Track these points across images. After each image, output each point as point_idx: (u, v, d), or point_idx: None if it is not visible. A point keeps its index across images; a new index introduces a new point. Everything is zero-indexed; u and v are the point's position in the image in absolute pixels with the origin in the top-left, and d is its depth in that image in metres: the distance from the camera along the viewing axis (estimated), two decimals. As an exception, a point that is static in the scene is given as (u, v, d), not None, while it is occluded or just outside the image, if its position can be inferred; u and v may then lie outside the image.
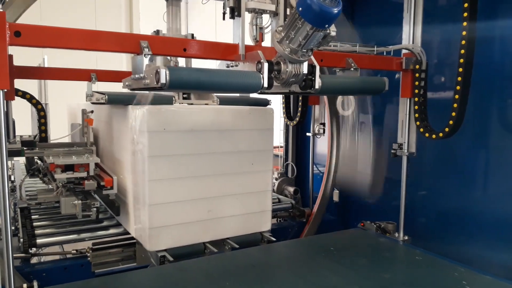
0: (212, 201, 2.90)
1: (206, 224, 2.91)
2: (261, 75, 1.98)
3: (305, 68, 2.06)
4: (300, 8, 1.76)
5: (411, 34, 2.98)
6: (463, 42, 2.61)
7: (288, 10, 2.38)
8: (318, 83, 2.14)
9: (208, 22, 8.08)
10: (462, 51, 2.63)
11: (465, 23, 2.60)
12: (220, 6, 2.46)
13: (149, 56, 2.02)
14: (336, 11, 1.73)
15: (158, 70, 1.77)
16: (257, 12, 2.33)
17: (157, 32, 3.34)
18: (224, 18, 2.47)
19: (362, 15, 4.03)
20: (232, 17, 2.27)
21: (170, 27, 3.31)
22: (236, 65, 2.25)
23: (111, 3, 8.34)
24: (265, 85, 1.98)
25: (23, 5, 2.82)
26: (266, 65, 1.98)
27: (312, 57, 2.06)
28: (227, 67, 2.31)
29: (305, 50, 1.95)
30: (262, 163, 3.09)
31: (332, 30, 1.88)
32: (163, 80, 1.78)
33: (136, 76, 2.01)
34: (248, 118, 2.99)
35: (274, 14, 2.37)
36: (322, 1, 1.72)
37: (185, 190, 2.80)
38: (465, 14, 2.59)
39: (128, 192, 2.89)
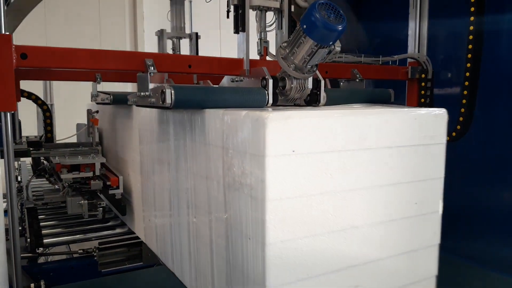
0: (362, 271, 1.75)
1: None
2: (266, 92, 2.00)
3: (310, 83, 2.06)
4: (305, 26, 1.76)
5: (417, 29, 2.96)
6: (471, 37, 2.59)
7: (292, 7, 2.38)
8: (323, 97, 2.15)
9: (212, 20, 8.07)
10: (470, 46, 2.60)
11: (472, 18, 2.57)
12: (224, 4, 2.46)
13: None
14: (340, 28, 1.73)
15: (164, 89, 1.77)
16: (262, 10, 2.33)
17: (162, 31, 3.35)
18: (228, 16, 2.46)
19: (368, 10, 4.00)
20: (237, 32, 2.28)
21: (174, 26, 3.32)
22: (241, 80, 2.26)
23: (115, 2, 8.35)
24: (270, 101, 1.99)
25: (26, 9, 2.84)
26: (271, 82, 1.99)
27: (317, 71, 2.06)
28: (232, 81, 2.32)
29: (310, 66, 1.95)
30: (429, 200, 1.93)
31: (337, 46, 1.88)
32: (168, 100, 1.78)
33: (142, 94, 2.02)
34: (411, 127, 1.83)
35: (279, 11, 2.36)
36: (326, 18, 1.71)
37: (322, 258, 1.64)
38: (472, 8, 2.57)
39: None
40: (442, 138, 1.91)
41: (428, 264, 1.99)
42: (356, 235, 1.69)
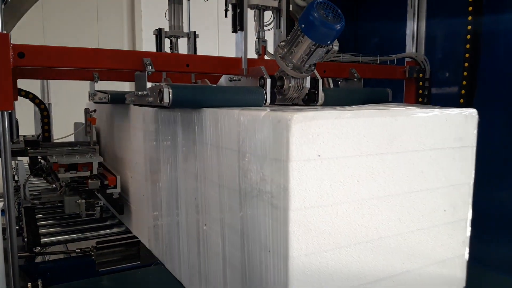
0: (388, 285, 1.64)
1: None
2: (264, 91, 2.00)
3: (308, 82, 2.06)
4: (303, 25, 1.76)
5: (415, 29, 2.97)
6: (469, 36, 2.59)
7: (291, 6, 2.38)
8: (321, 96, 2.15)
9: (210, 19, 8.06)
10: (468, 46, 2.61)
11: (470, 17, 2.58)
12: (222, 3, 2.46)
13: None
14: (338, 28, 1.73)
15: (162, 89, 1.77)
16: (260, 9, 2.32)
17: (160, 30, 3.34)
18: (226, 15, 2.46)
19: (366, 10, 4.00)
20: (235, 31, 2.28)
21: (172, 25, 3.31)
22: (239, 79, 2.26)
23: (112, 1, 8.33)
24: (268, 100, 1.99)
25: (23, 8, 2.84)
26: (269, 81, 1.99)
27: (315, 71, 2.07)
28: (230, 80, 2.32)
29: (308, 65, 1.95)
30: (458, 207, 1.80)
31: (335, 45, 1.88)
32: (166, 99, 1.78)
33: (140, 93, 2.02)
34: (441, 129, 1.70)
35: (277, 10, 2.36)
36: (324, 17, 1.71)
37: (348, 272, 1.52)
38: (470, 8, 2.58)
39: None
40: (472, 140, 1.79)
41: (456, 275, 1.86)
42: (383, 246, 1.57)
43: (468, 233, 1.86)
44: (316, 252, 1.40)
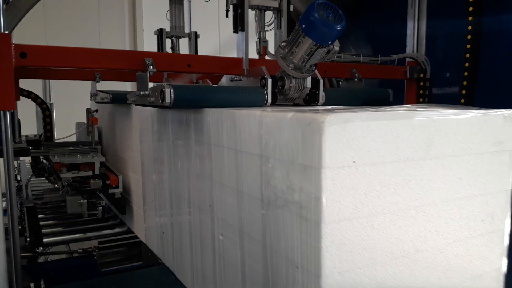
0: None
1: None
2: (265, 91, 2.01)
3: (308, 82, 2.07)
4: (303, 25, 1.76)
5: (415, 29, 2.97)
6: (469, 36, 2.59)
7: (291, 6, 2.38)
8: (322, 96, 2.15)
9: (212, 20, 8.07)
10: (468, 46, 2.61)
11: (470, 17, 2.58)
12: (223, 4, 2.46)
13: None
14: (339, 28, 1.73)
15: (163, 89, 1.77)
16: (261, 9, 2.33)
17: (161, 30, 3.35)
18: (227, 16, 2.47)
19: (367, 10, 4.00)
20: (236, 31, 2.29)
21: (173, 26, 3.32)
22: (240, 79, 2.27)
23: (114, 1, 8.35)
24: (269, 100, 2.00)
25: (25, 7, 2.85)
26: (270, 81, 2.00)
27: (315, 71, 2.07)
28: (231, 80, 2.32)
29: (309, 65, 1.96)
30: (495, 216, 1.66)
31: (336, 45, 1.89)
32: (167, 99, 1.78)
33: (141, 93, 2.03)
34: (481, 132, 1.57)
35: (278, 11, 2.37)
36: (325, 18, 1.71)
37: None
38: (471, 8, 2.58)
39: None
40: (511, 144, 1.65)
41: (494, 290, 1.70)
42: (419, 261, 1.45)
43: (506, 243, 1.73)
44: (350, 269, 1.27)
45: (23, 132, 3.48)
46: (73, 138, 3.97)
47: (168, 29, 3.35)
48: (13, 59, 1.89)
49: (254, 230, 1.49)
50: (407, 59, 3.04)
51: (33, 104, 3.46)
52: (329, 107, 1.76)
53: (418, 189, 1.40)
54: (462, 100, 2.65)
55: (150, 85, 2.02)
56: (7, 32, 1.89)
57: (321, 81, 2.15)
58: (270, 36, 2.41)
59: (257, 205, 1.46)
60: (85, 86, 3.41)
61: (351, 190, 1.23)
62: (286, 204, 1.31)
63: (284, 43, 1.95)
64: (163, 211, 2.40)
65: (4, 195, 2.00)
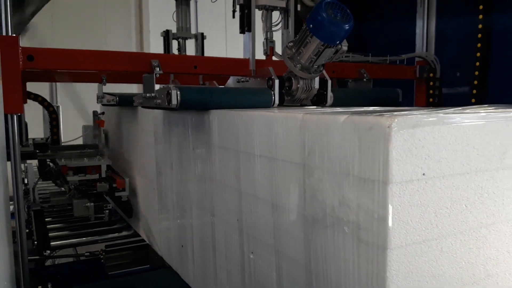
0: None
1: None
2: (272, 92, 1.98)
3: (316, 83, 2.05)
4: (311, 25, 1.74)
5: (424, 28, 2.93)
6: (480, 35, 2.55)
7: (298, 6, 2.36)
8: (330, 97, 2.13)
9: (218, 21, 8.06)
10: (479, 45, 2.57)
11: (481, 16, 2.54)
12: (230, 4, 2.44)
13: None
14: (347, 27, 1.70)
15: (170, 90, 1.76)
16: (268, 9, 2.31)
17: (167, 32, 3.34)
18: (234, 16, 2.45)
19: (375, 9, 3.96)
20: (243, 32, 2.28)
21: (180, 27, 3.31)
22: (247, 80, 2.25)
23: (120, 3, 8.38)
24: (277, 101, 1.98)
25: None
26: (277, 82, 1.98)
27: (323, 71, 2.04)
28: (238, 81, 2.31)
29: (316, 66, 1.93)
30: None
31: (344, 45, 1.86)
32: (174, 101, 1.76)
33: (148, 95, 2.01)
34: None
35: (285, 11, 2.35)
36: (333, 17, 1.68)
37: None
38: (481, 7, 2.54)
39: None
40: None
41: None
42: (489, 287, 1.28)
43: None
44: None
45: (30, 135, 3.48)
46: (80, 141, 3.97)
47: (174, 30, 3.34)
48: (21, 62, 1.89)
49: (294, 251, 1.32)
50: (417, 59, 3.00)
51: (40, 107, 3.46)
52: (349, 109, 1.59)
53: (490, 204, 1.22)
54: (473, 100, 2.60)
55: (157, 87, 2.01)
56: (14, 35, 1.89)
57: (329, 82, 2.12)
58: (277, 37, 2.39)
59: (298, 222, 1.29)
60: (92, 89, 3.41)
61: (420, 208, 1.06)
62: (338, 223, 1.14)
63: (292, 43, 1.93)
64: (181, 221, 2.21)
65: (11, 199, 2.00)
